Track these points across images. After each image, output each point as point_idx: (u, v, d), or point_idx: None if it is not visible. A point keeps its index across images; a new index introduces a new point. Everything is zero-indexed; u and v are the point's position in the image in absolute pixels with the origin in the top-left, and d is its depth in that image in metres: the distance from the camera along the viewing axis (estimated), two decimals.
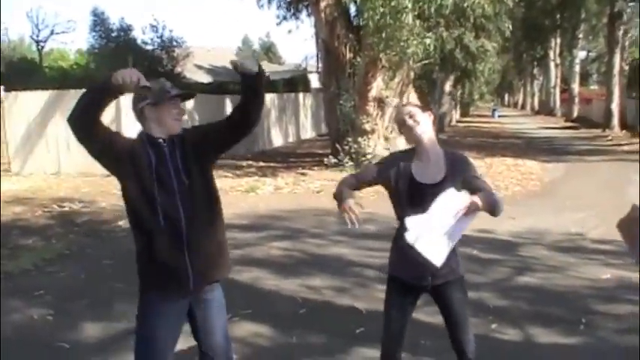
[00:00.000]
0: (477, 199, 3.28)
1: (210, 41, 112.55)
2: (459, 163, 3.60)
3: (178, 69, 25.99)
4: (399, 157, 3.71)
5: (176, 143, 3.32)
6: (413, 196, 3.51)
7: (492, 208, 3.37)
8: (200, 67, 37.80)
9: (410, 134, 3.57)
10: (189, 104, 19.27)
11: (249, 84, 3.33)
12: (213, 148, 3.44)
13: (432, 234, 3.32)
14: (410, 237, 3.33)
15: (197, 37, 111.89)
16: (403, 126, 3.59)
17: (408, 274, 3.62)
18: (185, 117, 3.31)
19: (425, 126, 3.57)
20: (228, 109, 18.17)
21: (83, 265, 8.05)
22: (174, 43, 26.04)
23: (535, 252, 8.35)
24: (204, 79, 34.50)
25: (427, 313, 4.92)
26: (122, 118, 15.37)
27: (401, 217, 3.56)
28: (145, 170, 3.23)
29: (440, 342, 4.89)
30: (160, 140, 3.29)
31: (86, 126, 3.15)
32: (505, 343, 5.22)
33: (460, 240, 3.48)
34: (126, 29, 26.46)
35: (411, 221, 3.34)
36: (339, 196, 3.69)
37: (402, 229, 3.50)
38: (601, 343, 5.20)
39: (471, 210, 3.28)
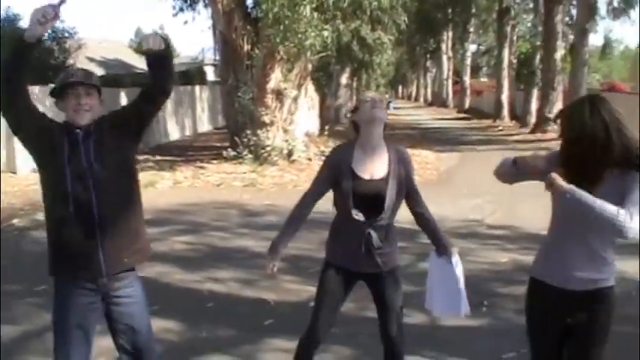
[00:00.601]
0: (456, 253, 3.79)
1: (101, 33, 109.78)
2: (403, 159, 3.68)
3: (70, 61, 24.99)
4: (337, 154, 3.71)
5: (92, 131, 3.23)
6: (355, 193, 3.56)
7: None
8: (92, 60, 36.65)
9: (369, 113, 3.56)
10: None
11: (153, 63, 3.29)
12: (135, 126, 3.36)
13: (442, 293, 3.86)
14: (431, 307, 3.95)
15: (88, 29, 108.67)
16: (365, 103, 3.59)
17: (347, 262, 3.67)
18: (89, 105, 3.21)
19: (384, 115, 3.60)
20: (123, 102, 17.75)
21: None
22: (66, 35, 25.03)
23: None
24: (97, 71, 33.48)
25: None
26: None
27: (343, 210, 3.62)
28: (60, 158, 3.15)
29: (349, 328, 4.97)
30: (77, 130, 3.20)
31: (13, 89, 3.08)
32: (412, 327, 5.30)
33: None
34: (13, 19, 25.28)
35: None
36: (274, 246, 3.79)
37: (340, 220, 3.70)
38: (503, 324, 5.40)
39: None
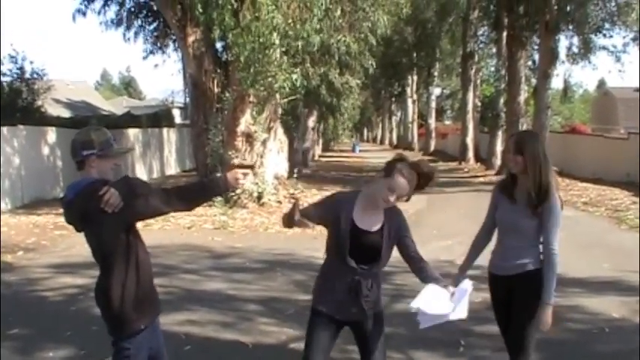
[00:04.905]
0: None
1: (67, 74, 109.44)
2: (395, 216, 3.82)
3: (38, 102, 24.79)
4: (342, 200, 3.84)
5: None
6: (353, 240, 3.67)
7: None
8: (58, 101, 36.55)
9: (381, 202, 3.70)
10: (51, 139, 18.64)
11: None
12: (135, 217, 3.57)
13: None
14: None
15: (54, 70, 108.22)
16: (388, 191, 3.66)
17: (334, 309, 3.74)
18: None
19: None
20: None
21: None
22: (35, 76, 24.90)
23: (408, 280, 8.54)
24: (64, 113, 33.39)
25: None
26: None
27: (337, 256, 3.72)
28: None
29: None
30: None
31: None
32: None
33: None
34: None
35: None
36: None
37: (331, 266, 3.79)
38: None
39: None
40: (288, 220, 3.73)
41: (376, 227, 3.73)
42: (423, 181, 3.74)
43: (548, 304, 3.85)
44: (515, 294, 4.03)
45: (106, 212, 3.32)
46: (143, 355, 3.59)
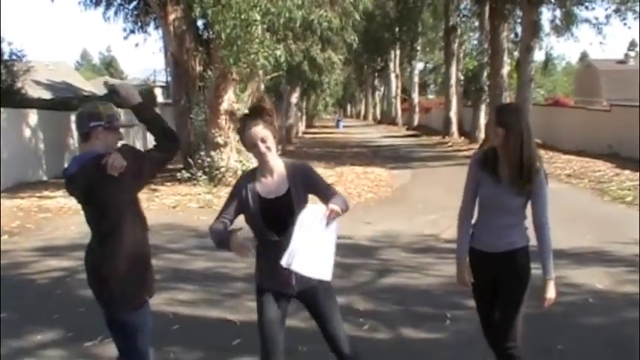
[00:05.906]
0: (334, 206, 3.44)
1: (47, 55, 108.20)
2: (300, 172, 3.76)
3: (18, 84, 24.47)
4: (243, 181, 3.79)
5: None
6: (264, 213, 3.65)
7: (346, 208, 3.56)
8: (38, 83, 36.19)
9: (260, 157, 3.65)
10: (33, 122, 18.48)
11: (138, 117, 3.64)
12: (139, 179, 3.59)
13: (305, 252, 3.40)
14: (284, 261, 3.39)
15: (33, 51, 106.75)
16: (254, 147, 3.62)
17: (274, 284, 3.72)
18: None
19: (274, 149, 3.66)
20: (73, 125, 17.57)
21: None
22: (14, 58, 24.59)
23: (394, 254, 8.66)
24: (44, 94, 33.08)
25: (303, 319, 4.99)
26: None
27: (259, 234, 3.69)
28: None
29: (318, 347, 5.00)
30: None
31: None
32: (379, 342, 5.40)
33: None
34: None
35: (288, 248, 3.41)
36: (222, 244, 3.61)
37: (260, 246, 3.70)
38: (466, 335, 5.47)
39: (331, 217, 3.44)
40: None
41: (283, 190, 3.68)
42: (268, 116, 3.63)
43: (550, 279, 3.81)
44: (504, 272, 3.89)
45: (111, 182, 3.33)
46: (148, 331, 3.62)
